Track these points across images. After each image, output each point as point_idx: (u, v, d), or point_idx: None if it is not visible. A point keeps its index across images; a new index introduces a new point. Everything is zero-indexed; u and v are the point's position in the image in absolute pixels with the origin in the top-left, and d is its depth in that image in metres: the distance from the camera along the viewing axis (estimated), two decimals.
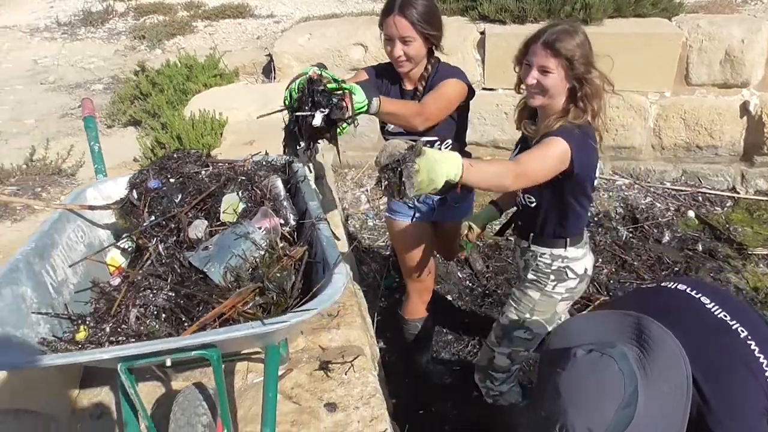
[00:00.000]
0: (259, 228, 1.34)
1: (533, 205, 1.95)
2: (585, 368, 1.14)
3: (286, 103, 1.67)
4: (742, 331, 1.23)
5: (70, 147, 2.85)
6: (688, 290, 1.33)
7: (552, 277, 2.03)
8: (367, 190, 4.28)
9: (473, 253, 3.54)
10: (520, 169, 1.64)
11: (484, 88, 4.32)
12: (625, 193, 4.21)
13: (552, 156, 1.70)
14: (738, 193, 4.21)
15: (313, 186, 1.65)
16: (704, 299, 1.29)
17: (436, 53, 2.18)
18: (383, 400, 1.78)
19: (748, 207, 4.08)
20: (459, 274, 3.44)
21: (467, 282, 3.41)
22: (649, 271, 3.43)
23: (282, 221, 1.43)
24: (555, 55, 1.73)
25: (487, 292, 3.33)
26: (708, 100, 4.10)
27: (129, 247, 1.55)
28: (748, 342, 1.21)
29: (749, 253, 3.58)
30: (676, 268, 3.45)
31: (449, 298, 3.29)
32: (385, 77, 2.21)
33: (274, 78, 4.22)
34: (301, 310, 1.03)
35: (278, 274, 1.23)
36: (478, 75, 4.27)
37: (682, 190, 4.19)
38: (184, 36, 5.07)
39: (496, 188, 1.86)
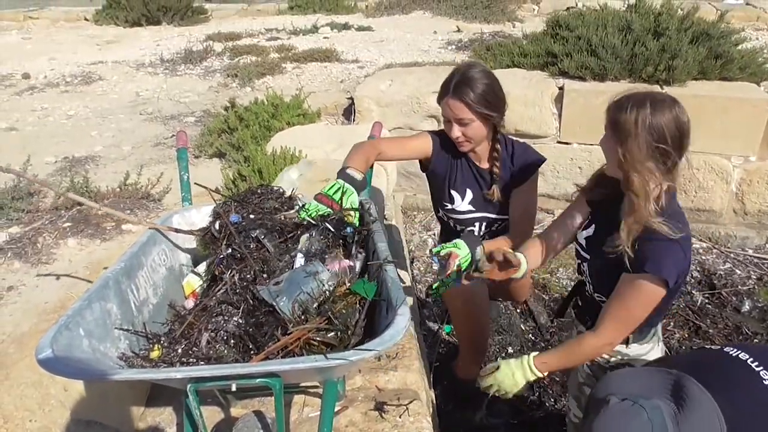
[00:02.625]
0: (329, 269, 1.40)
1: (602, 300, 1.71)
2: (616, 415, 1.17)
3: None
4: None
5: (160, 174, 3.06)
6: (749, 360, 1.27)
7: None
8: (434, 234, 4.31)
9: (538, 305, 3.48)
10: (604, 340, 1.54)
11: (559, 142, 4.31)
12: (703, 258, 4.04)
13: (645, 304, 1.48)
14: None
15: (383, 228, 1.70)
16: (764, 373, 1.23)
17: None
18: None
19: None
20: (522, 326, 3.39)
21: (530, 335, 3.36)
22: (725, 340, 3.26)
23: (351, 263, 1.49)
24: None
25: (549, 346, 3.25)
26: None
27: (205, 273, 1.65)
28: None
29: None
30: (756, 339, 3.26)
31: (510, 350, 3.23)
32: (452, 150, 2.13)
33: (354, 120, 4.38)
34: (362, 349, 1.07)
35: (343, 311, 1.28)
36: (554, 128, 4.27)
37: (765, 258, 3.97)
38: (273, 76, 5.36)
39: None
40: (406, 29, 7.64)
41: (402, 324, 1.13)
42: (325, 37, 7.17)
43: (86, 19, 9.35)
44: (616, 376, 1.44)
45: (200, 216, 1.78)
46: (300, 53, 6.04)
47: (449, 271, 1.86)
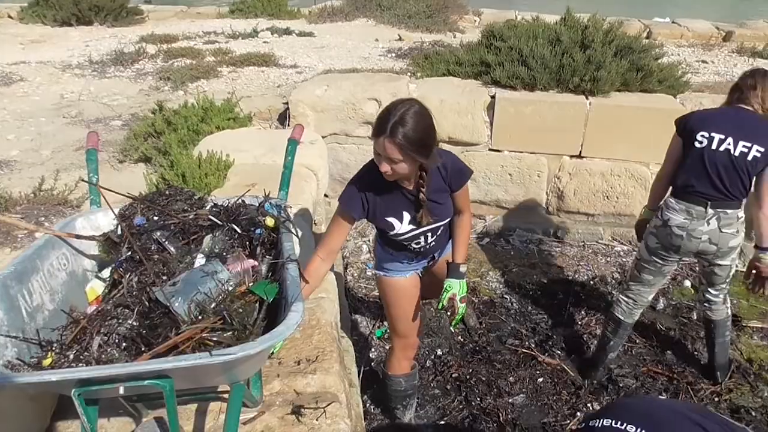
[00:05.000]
0: (231, 270, 1.39)
1: None
2: None
3: None
4: None
5: (78, 179, 2.96)
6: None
7: None
8: (368, 240, 4.33)
9: (468, 308, 3.54)
10: None
11: (491, 149, 4.41)
12: (623, 260, 4.22)
13: None
14: (737, 267, 4.18)
15: (294, 229, 1.69)
16: None
17: None
18: None
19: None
20: (452, 328, 3.44)
21: (459, 337, 3.41)
22: (640, 337, 3.44)
23: (255, 264, 1.48)
24: None
25: (477, 348, 3.32)
26: None
27: (107, 279, 1.60)
28: None
29: (743, 325, 3.57)
30: (671, 333, 3.45)
31: (439, 352, 3.28)
32: (375, 187, 2.16)
33: (288, 125, 4.35)
34: (249, 344, 1.06)
35: (240, 310, 1.27)
36: (486, 137, 4.37)
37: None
38: (208, 80, 5.27)
39: None
40: (348, 36, 7.67)
41: (294, 320, 1.13)
42: (264, 42, 7.11)
43: (10, 17, 8.94)
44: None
45: (107, 219, 1.72)
46: (237, 57, 5.97)
47: (458, 310, 2.30)
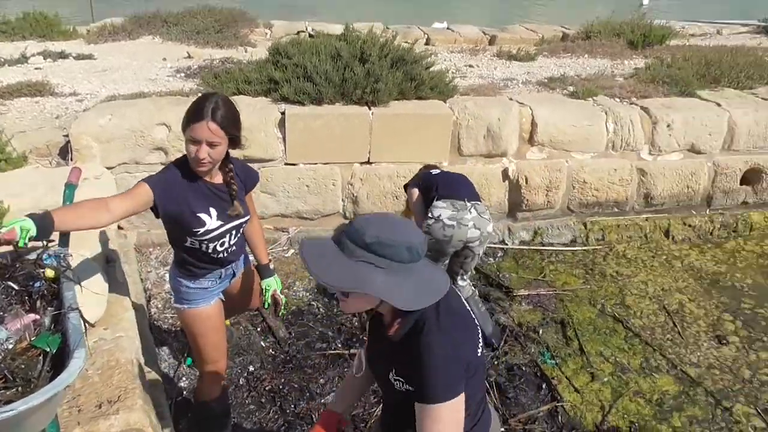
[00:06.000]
0: (10, 329, 1.42)
1: None
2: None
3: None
4: None
5: None
6: None
7: None
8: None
9: (276, 320, 3.72)
10: None
11: (286, 163, 4.64)
12: None
13: None
14: (506, 244, 4.92)
15: (75, 277, 1.74)
16: None
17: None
18: None
19: (514, 255, 4.79)
20: (262, 343, 3.61)
21: (270, 350, 3.58)
22: None
23: (37, 317, 1.52)
24: None
25: (288, 357, 3.52)
26: (477, 167, 4.80)
27: None
28: None
29: (514, 294, 4.20)
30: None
31: (251, 368, 3.42)
32: (178, 183, 2.29)
33: (71, 159, 4.15)
34: (31, 396, 1.15)
35: (23, 366, 1.32)
36: (281, 152, 4.59)
37: None
38: None
39: None
40: (133, 56, 7.36)
41: (76, 366, 1.23)
42: (37, 68, 6.56)
43: None
44: None
45: None
46: (4, 87, 5.46)
47: (281, 300, 2.85)
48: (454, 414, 1.46)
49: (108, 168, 4.09)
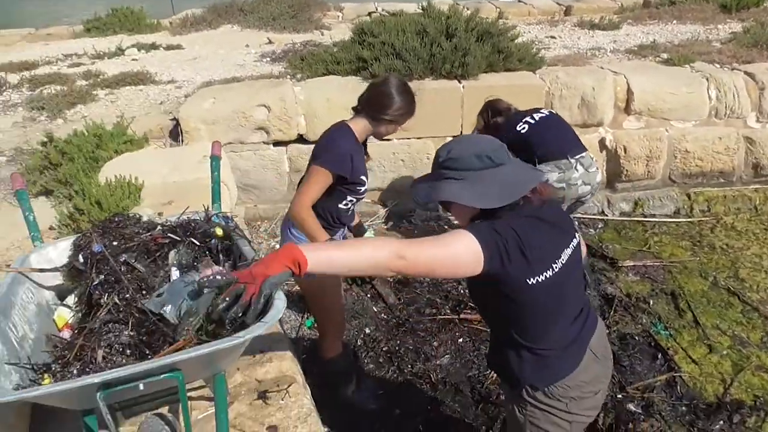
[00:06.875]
0: (204, 277, 1.57)
1: None
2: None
3: None
4: None
5: None
6: None
7: None
8: (278, 241, 4.49)
9: (385, 288, 3.85)
10: None
11: (381, 139, 4.71)
12: None
13: None
14: (606, 216, 4.85)
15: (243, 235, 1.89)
16: None
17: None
18: (318, 418, 2.01)
19: (615, 227, 4.72)
20: (374, 308, 3.74)
21: (382, 315, 3.71)
22: None
23: (222, 269, 1.66)
24: None
25: (400, 322, 3.64)
26: None
27: (75, 305, 1.71)
28: None
29: (620, 265, 4.15)
30: None
31: (367, 330, 3.56)
32: (356, 146, 2.59)
33: (182, 141, 4.40)
34: (251, 328, 1.28)
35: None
36: None
37: None
38: (86, 105, 5.13)
39: None
40: (218, 45, 7.65)
41: (281, 305, 1.35)
42: (133, 59, 6.94)
43: None
44: None
45: (57, 252, 1.81)
46: (110, 78, 5.82)
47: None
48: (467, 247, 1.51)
49: None
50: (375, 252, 1.41)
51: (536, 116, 3.52)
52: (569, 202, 3.34)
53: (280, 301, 1.36)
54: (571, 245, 1.69)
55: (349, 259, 1.40)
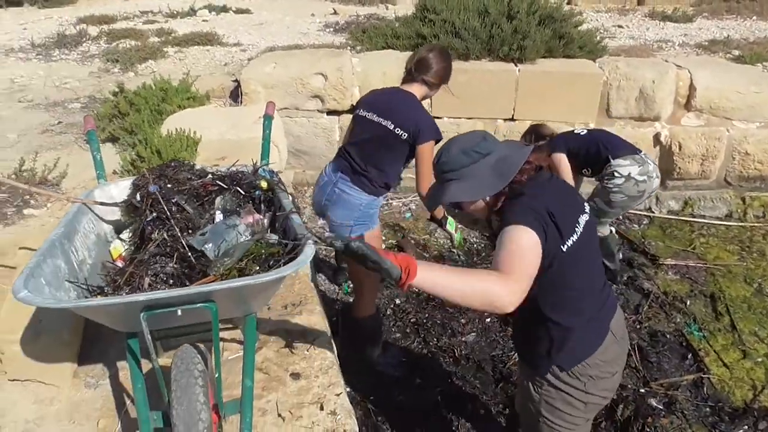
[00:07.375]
0: (243, 222, 1.71)
1: None
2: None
3: None
4: None
5: (56, 159, 3.14)
6: None
7: None
8: None
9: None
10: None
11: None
12: None
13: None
14: (653, 212, 4.78)
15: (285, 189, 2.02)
16: None
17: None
18: (339, 371, 2.14)
19: (661, 224, 4.65)
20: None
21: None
22: None
23: (261, 217, 1.80)
24: None
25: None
26: (626, 130, 4.67)
27: (130, 239, 1.89)
28: None
29: (660, 263, 4.11)
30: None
31: (397, 301, 3.68)
32: None
33: (241, 102, 4.58)
34: (282, 269, 1.41)
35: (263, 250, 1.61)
36: (427, 105, 4.73)
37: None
38: (156, 60, 5.39)
39: None
40: (284, 11, 7.82)
41: (310, 251, 1.47)
42: (204, 20, 7.19)
43: None
44: None
45: (118, 190, 2.00)
46: (180, 37, 6.07)
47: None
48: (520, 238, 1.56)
49: None
50: (481, 279, 1.44)
51: (581, 128, 3.75)
52: (647, 195, 3.40)
53: (309, 248, 1.48)
54: (585, 212, 1.77)
55: (454, 286, 1.45)
